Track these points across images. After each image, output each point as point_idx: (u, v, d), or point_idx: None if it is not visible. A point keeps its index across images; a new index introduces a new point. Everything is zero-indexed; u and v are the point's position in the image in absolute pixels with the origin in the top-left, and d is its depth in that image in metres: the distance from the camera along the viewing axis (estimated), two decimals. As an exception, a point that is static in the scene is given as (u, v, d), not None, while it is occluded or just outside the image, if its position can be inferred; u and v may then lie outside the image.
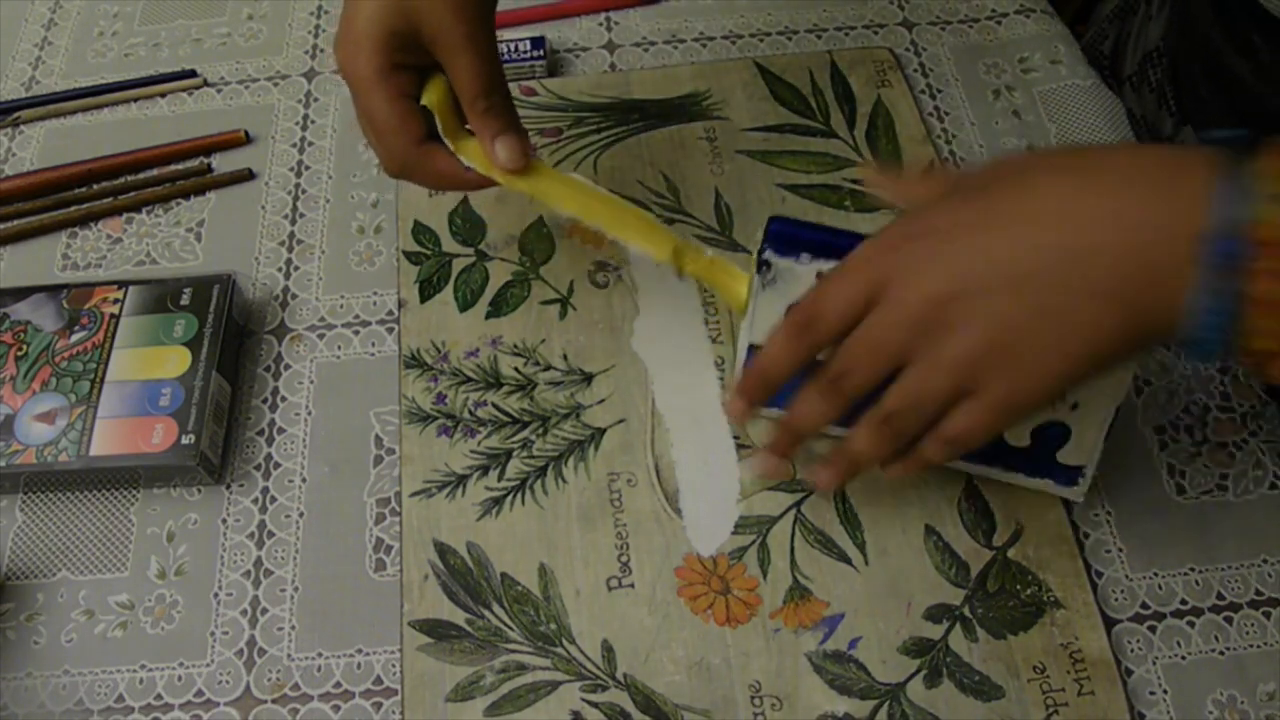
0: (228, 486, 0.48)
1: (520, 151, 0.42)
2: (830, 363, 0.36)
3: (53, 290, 0.50)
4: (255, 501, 0.47)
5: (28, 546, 0.47)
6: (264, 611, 0.45)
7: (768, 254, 0.41)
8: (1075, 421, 0.41)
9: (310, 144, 0.59)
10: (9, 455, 0.46)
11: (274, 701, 0.43)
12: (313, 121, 0.60)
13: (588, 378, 0.49)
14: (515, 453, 0.47)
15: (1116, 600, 0.44)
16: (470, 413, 0.48)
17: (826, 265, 0.39)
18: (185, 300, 0.50)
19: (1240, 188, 0.29)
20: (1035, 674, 0.42)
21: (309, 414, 0.50)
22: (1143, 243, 0.31)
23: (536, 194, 0.43)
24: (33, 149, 0.59)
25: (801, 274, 0.40)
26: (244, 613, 0.45)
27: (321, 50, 0.63)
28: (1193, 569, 0.45)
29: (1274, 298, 0.29)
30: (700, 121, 0.58)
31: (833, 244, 0.40)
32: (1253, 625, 0.44)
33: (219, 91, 0.62)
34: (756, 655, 0.43)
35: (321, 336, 0.52)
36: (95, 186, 0.57)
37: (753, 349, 0.42)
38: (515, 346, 0.50)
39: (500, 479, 0.47)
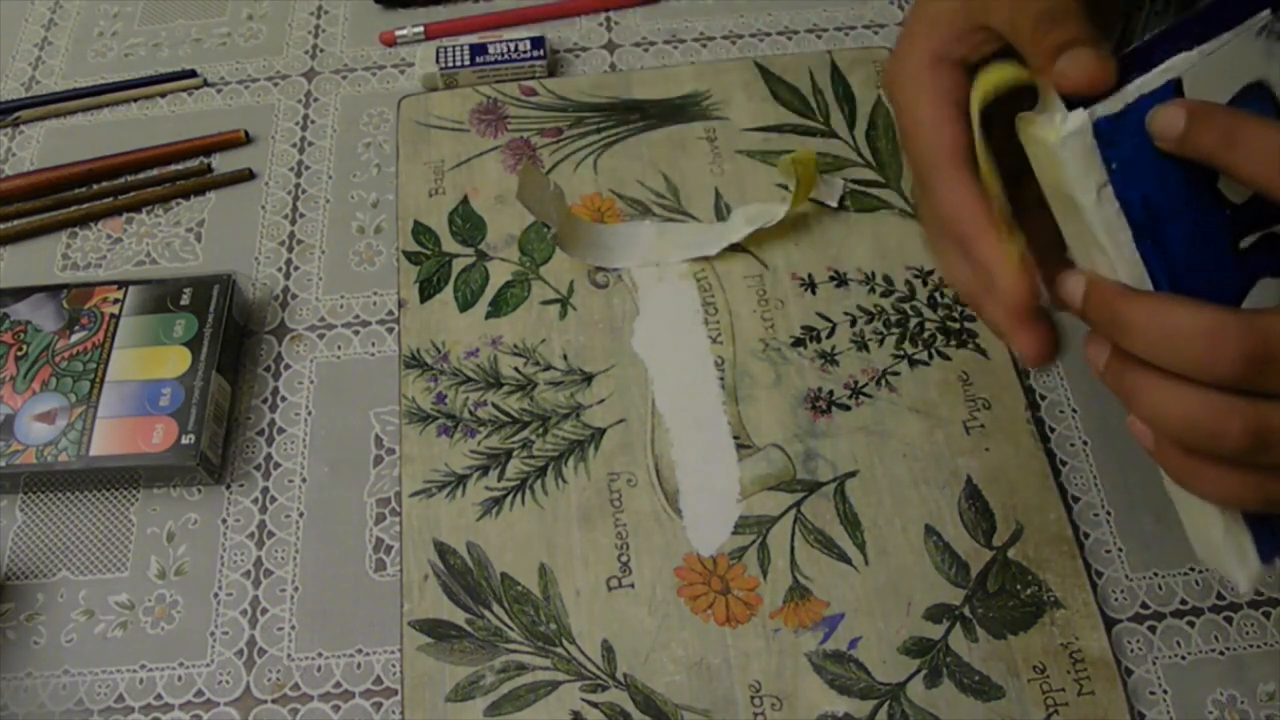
0: (228, 486, 0.48)
1: (1096, 68, 0.28)
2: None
3: (53, 290, 0.50)
4: (255, 501, 0.47)
5: (28, 546, 0.47)
6: (264, 611, 0.45)
7: None
8: None
9: (310, 144, 0.59)
10: (9, 455, 0.46)
11: (274, 701, 0.43)
12: (313, 121, 0.60)
13: (588, 378, 0.49)
14: (515, 453, 0.47)
15: (1116, 600, 0.44)
16: (470, 413, 0.48)
17: None
18: (185, 300, 0.50)
19: None
20: (1035, 674, 0.42)
21: (309, 414, 0.50)
22: None
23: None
24: (33, 149, 0.59)
25: None
26: (244, 613, 0.45)
27: (321, 50, 0.63)
28: (1193, 569, 0.45)
29: None
30: (700, 121, 0.58)
31: None
32: (1253, 625, 0.44)
33: (219, 91, 0.62)
34: (756, 655, 0.43)
35: (321, 336, 0.52)
36: (95, 186, 0.57)
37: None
38: (515, 346, 0.50)
39: (500, 479, 0.47)
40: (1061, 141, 0.28)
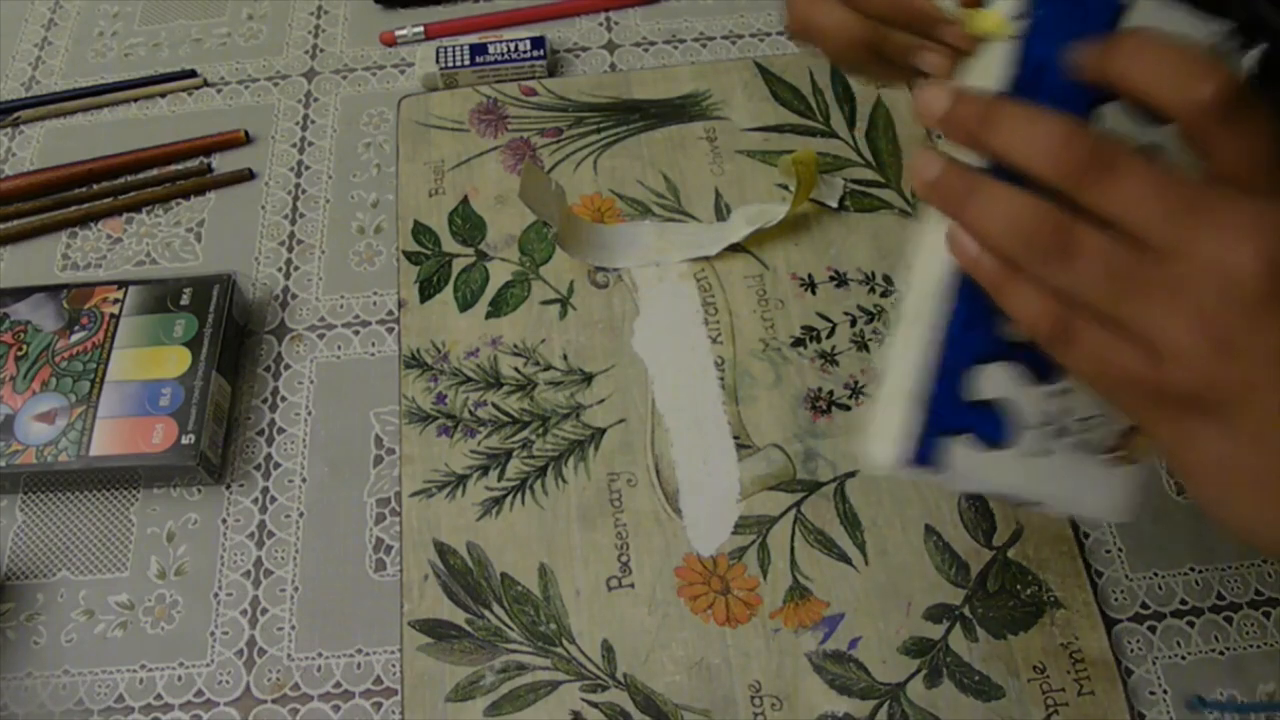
0: (228, 486, 0.48)
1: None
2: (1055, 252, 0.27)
3: (53, 290, 0.50)
4: (255, 501, 0.47)
5: (28, 546, 0.47)
6: (264, 611, 0.45)
7: None
8: None
9: (310, 144, 0.59)
10: (9, 455, 0.46)
11: (274, 701, 0.43)
12: (313, 121, 0.60)
13: (588, 378, 0.49)
14: (515, 453, 0.47)
15: (1116, 600, 0.44)
16: (470, 413, 0.48)
17: None
18: (185, 300, 0.50)
19: None
20: (1035, 674, 0.42)
21: (309, 414, 0.50)
22: None
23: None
24: (33, 149, 0.59)
25: None
26: (244, 613, 0.45)
27: (321, 50, 0.63)
28: (1193, 569, 0.45)
29: None
30: (700, 121, 0.58)
31: None
32: (1253, 625, 0.44)
33: (219, 91, 0.62)
34: (756, 655, 0.43)
35: (321, 336, 0.52)
36: (95, 186, 0.57)
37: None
38: (515, 346, 0.50)
39: (500, 479, 0.47)
40: None
